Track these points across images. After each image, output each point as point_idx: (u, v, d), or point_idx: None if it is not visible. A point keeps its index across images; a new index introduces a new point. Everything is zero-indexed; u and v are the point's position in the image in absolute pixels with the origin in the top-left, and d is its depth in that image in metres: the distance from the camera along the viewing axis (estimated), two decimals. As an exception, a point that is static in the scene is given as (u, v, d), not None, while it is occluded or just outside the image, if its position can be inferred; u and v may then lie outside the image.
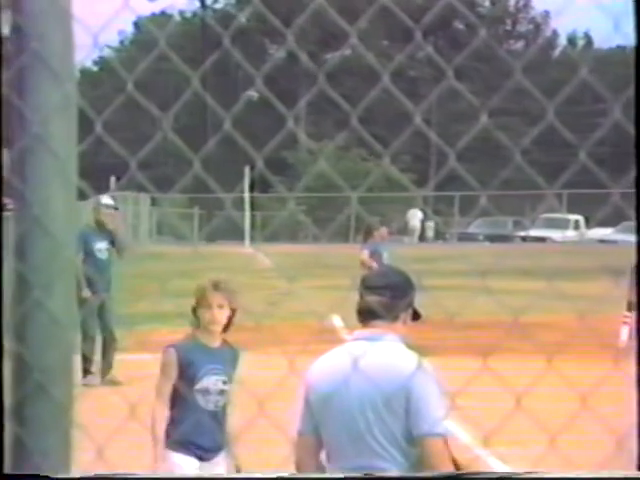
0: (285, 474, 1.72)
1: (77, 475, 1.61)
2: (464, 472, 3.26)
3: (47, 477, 1.58)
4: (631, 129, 1.70)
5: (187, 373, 4.54)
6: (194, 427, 4.45)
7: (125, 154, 1.92)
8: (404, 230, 39.75)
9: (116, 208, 11.19)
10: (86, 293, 10.21)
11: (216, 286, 4.65)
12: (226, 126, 1.94)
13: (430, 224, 41.05)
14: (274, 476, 1.63)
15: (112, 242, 10.82)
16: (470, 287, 17.40)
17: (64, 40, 1.61)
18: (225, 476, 4.16)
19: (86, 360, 10.48)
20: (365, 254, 13.82)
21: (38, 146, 1.59)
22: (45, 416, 1.61)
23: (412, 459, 3.21)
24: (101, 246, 10.68)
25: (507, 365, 7.35)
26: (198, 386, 4.57)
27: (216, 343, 4.70)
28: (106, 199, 10.96)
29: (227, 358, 4.69)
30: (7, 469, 1.61)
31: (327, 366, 3.43)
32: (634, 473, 2.55)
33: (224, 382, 4.64)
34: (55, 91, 1.60)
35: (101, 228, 10.75)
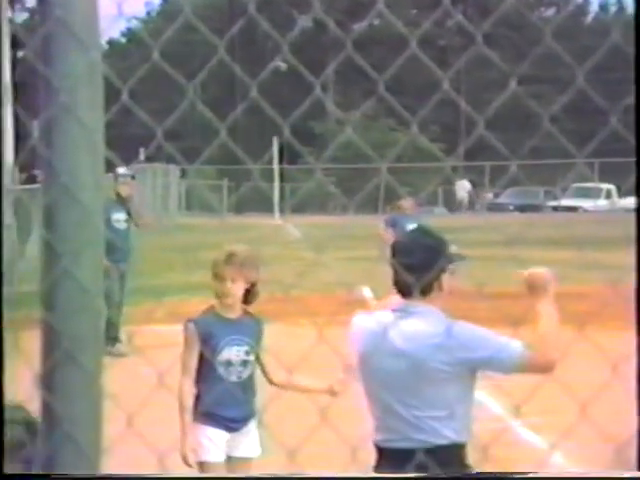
0: (285, 474, 1.71)
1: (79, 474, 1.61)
2: (468, 473, 3.26)
3: (47, 476, 1.58)
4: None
5: (208, 346, 4.52)
6: (219, 399, 4.43)
7: (152, 124, 1.91)
8: (434, 200, 39.62)
9: (132, 177, 11.17)
10: (105, 262, 10.27)
11: (229, 259, 4.57)
12: (252, 94, 1.92)
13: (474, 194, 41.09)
14: (273, 476, 1.62)
15: (129, 213, 10.89)
16: (499, 257, 17.32)
17: (89, 8, 1.60)
18: (225, 476, 4.20)
19: (113, 328, 10.54)
20: (382, 226, 13.79)
21: (65, 115, 1.59)
22: (75, 384, 1.62)
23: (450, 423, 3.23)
24: (119, 216, 10.75)
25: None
26: (219, 358, 4.55)
27: (235, 314, 4.66)
28: (122, 169, 10.99)
29: (249, 329, 4.66)
30: (38, 437, 1.62)
31: (366, 327, 3.45)
32: (634, 473, 2.52)
33: (247, 352, 4.62)
34: (81, 59, 1.59)
35: (119, 199, 10.80)
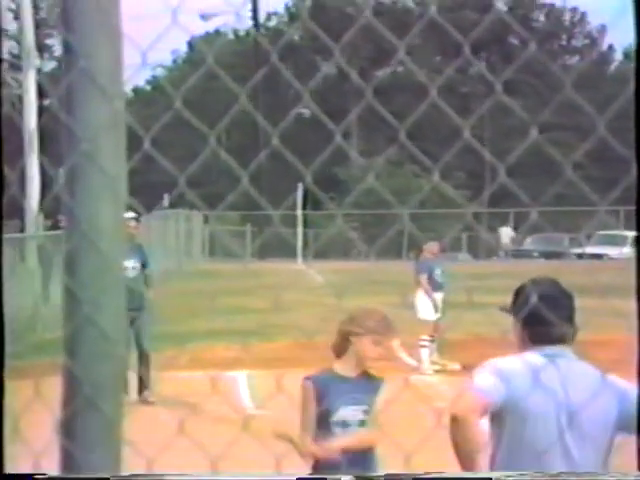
0: (286, 474, 1.70)
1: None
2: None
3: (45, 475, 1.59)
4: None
5: (323, 405, 4.35)
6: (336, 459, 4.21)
7: (175, 171, 1.93)
8: (458, 246, 39.54)
9: (137, 220, 10.96)
10: None
11: (358, 318, 4.40)
12: (274, 141, 1.94)
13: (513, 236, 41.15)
14: (272, 477, 1.61)
15: (141, 261, 10.81)
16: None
17: (113, 58, 1.63)
18: (225, 476, 4.10)
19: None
20: (414, 272, 13.75)
21: (87, 163, 1.61)
22: (95, 431, 1.62)
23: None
24: (127, 264, 10.65)
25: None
26: (335, 417, 4.38)
27: (355, 373, 4.47)
28: (127, 214, 10.87)
29: (367, 387, 4.45)
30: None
31: (522, 369, 3.39)
32: (634, 473, 2.51)
33: (364, 412, 4.42)
34: (104, 108, 1.61)
35: (130, 245, 10.72)
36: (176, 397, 10.21)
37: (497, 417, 3.36)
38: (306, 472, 4.25)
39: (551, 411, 3.27)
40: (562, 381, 3.30)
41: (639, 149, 2.05)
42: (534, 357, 3.38)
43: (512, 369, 3.37)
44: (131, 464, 1.71)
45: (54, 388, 1.66)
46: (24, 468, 1.80)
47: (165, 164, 1.98)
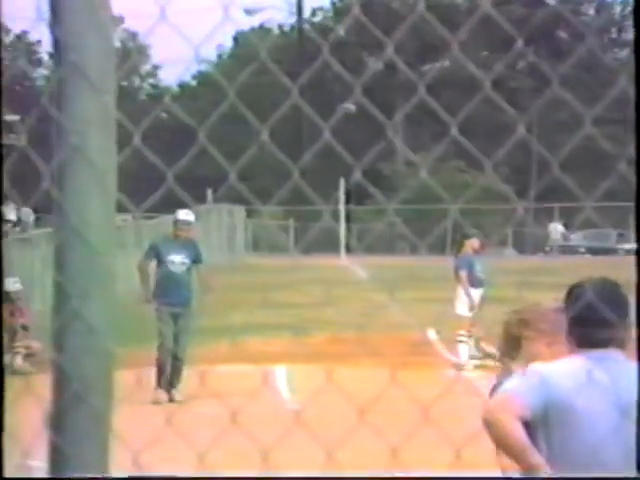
0: (286, 474, 1.68)
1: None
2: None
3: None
4: None
5: None
6: None
7: (226, 164, 1.93)
8: (505, 241, 39.25)
9: (189, 224, 10.97)
10: (148, 300, 10.34)
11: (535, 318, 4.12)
12: (325, 136, 1.93)
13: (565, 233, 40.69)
14: (270, 476, 1.59)
15: (193, 257, 10.84)
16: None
17: (103, 52, 1.62)
18: (225, 476, 4.10)
19: (160, 371, 10.49)
20: (454, 267, 13.67)
21: (76, 157, 1.61)
22: (84, 425, 1.62)
23: None
24: (174, 258, 10.68)
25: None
26: None
27: None
28: (183, 214, 10.88)
29: None
30: (44, 476, 1.62)
31: (567, 370, 3.33)
32: (634, 474, 2.44)
33: None
34: (93, 103, 1.61)
35: (177, 239, 10.80)
36: (217, 392, 10.24)
37: (542, 421, 3.30)
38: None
39: (603, 416, 3.20)
40: (611, 382, 3.23)
41: (639, 151, 2.01)
42: (579, 360, 3.30)
43: (555, 372, 3.31)
44: (120, 459, 1.71)
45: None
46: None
47: (218, 158, 1.98)
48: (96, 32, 1.62)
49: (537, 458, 3.22)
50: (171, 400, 10.31)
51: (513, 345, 4.13)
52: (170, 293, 10.49)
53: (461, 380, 11.44)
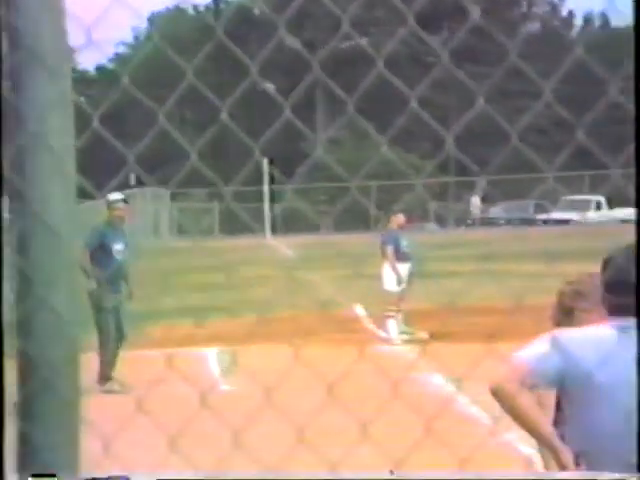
0: (285, 474, 1.71)
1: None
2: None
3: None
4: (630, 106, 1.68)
5: None
6: None
7: (125, 150, 1.92)
8: (426, 216, 39.69)
9: (125, 202, 10.93)
10: (91, 285, 10.11)
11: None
12: (223, 117, 1.93)
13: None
14: (271, 476, 1.62)
15: (125, 241, 10.73)
16: (493, 272, 17.34)
17: (58, 37, 1.61)
18: (225, 476, 4.12)
19: (105, 363, 10.36)
20: (380, 243, 13.81)
21: (35, 143, 1.60)
22: (51, 412, 1.62)
23: None
24: (119, 247, 10.57)
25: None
26: None
27: None
28: (114, 195, 10.74)
29: None
30: (13, 466, 1.62)
31: (585, 339, 3.16)
32: (634, 474, 2.49)
33: None
34: (51, 88, 1.60)
35: (117, 226, 10.67)
36: (143, 377, 10.19)
37: (560, 390, 3.18)
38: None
39: (623, 385, 2.99)
40: (636, 354, 2.97)
41: (638, 144, 2.05)
42: (605, 329, 3.14)
43: (574, 340, 3.14)
44: (88, 445, 1.71)
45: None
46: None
47: (116, 144, 1.96)
48: (50, 16, 1.60)
49: (545, 429, 3.10)
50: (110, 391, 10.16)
51: (567, 316, 4.00)
52: (117, 282, 10.43)
53: (390, 355, 11.59)
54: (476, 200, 41.30)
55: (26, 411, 1.61)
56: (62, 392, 1.61)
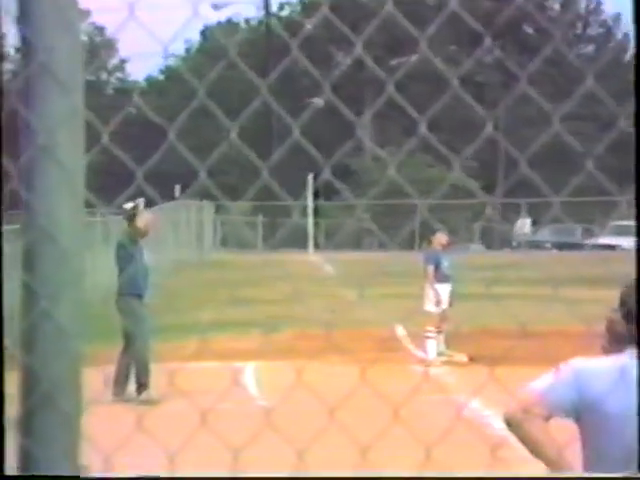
0: (286, 474, 1.68)
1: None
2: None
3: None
4: None
5: None
6: None
7: (196, 162, 1.92)
8: (472, 237, 39.47)
9: (133, 216, 10.77)
10: (135, 302, 10.23)
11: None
12: (295, 134, 1.93)
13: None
14: (274, 476, 1.59)
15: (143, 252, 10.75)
16: (537, 295, 17.16)
17: (71, 51, 1.61)
18: (225, 476, 4.07)
19: (141, 372, 10.39)
20: (422, 262, 13.70)
21: (44, 156, 1.59)
22: (53, 427, 1.61)
23: None
24: (149, 257, 10.69)
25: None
26: None
27: None
28: (128, 204, 10.68)
29: None
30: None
31: (602, 369, 3.19)
32: (634, 474, 2.45)
33: None
34: (62, 102, 1.60)
35: (135, 235, 10.65)
36: (185, 388, 10.20)
37: (576, 420, 3.18)
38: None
39: (635, 415, 2.97)
40: None
41: (639, 148, 2.01)
42: (624, 358, 3.16)
43: (593, 369, 3.17)
44: (90, 460, 1.70)
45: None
46: None
47: (187, 155, 1.96)
48: (64, 31, 1.60)
49: (555, 458, 3.09)
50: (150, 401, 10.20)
51: (619, 343, 3.77)
52: (144, 288, 10.55)
53: (428, 377, 11.48)
54: (525, 222, 40.81)
55: (27, 425, 1.60)
56: (63, 407, 1.60)
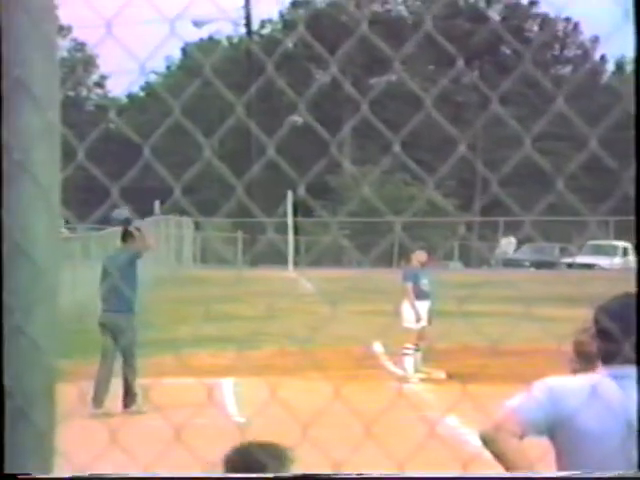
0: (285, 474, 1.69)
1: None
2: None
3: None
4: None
5: None
6: None
7: (171, 179, 1.94)
8: (450, 255, 39.58)
9: (127, 231, 10.78)
10: (128, 319, 10.32)
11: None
12: (270, 152, 1.94)
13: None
14: (271, 476, 1.60)
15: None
16: (513, 314, 17.23)
17: (47, 67, 1.62)
18: (226, 476, 4.07)
19: (129, 386, 10.44)
20: (400, 280, 13.73)
21: (19, 172, 1.60)
22: (26, 442, 1.61)
23: None
24: (139, 269, 10.72)
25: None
26: None
27: None
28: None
29: None
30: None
31: (576, 387, 3.19)
32: (634, 473, 2.47)
33: None
34: (37, 118, 1.61)
35: (129, 248, 10.65)
36: (163, 405, 10.18)
37: (550, 437, 3.20)
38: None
39: (609, 432, 3.06)
40: (623, 401, 3.05)
41: (639, 159, 2.03)
42: (597, 377, 3.18)
43: (567, 386, 3.19)
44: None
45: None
46: None
47: (162, 172, 1.98)
48: (40, 46, 1.61)
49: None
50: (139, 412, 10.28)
51: (588, 363, 3.88)
52: (133, 304, 10.60)
53: (405, 394, 11.49)
54: (509, 241, 40.66)
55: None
56: (36, 422, 1.61)
